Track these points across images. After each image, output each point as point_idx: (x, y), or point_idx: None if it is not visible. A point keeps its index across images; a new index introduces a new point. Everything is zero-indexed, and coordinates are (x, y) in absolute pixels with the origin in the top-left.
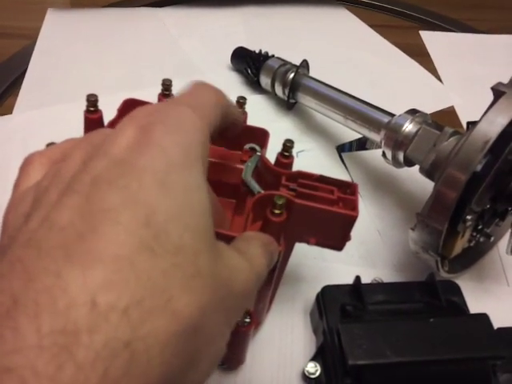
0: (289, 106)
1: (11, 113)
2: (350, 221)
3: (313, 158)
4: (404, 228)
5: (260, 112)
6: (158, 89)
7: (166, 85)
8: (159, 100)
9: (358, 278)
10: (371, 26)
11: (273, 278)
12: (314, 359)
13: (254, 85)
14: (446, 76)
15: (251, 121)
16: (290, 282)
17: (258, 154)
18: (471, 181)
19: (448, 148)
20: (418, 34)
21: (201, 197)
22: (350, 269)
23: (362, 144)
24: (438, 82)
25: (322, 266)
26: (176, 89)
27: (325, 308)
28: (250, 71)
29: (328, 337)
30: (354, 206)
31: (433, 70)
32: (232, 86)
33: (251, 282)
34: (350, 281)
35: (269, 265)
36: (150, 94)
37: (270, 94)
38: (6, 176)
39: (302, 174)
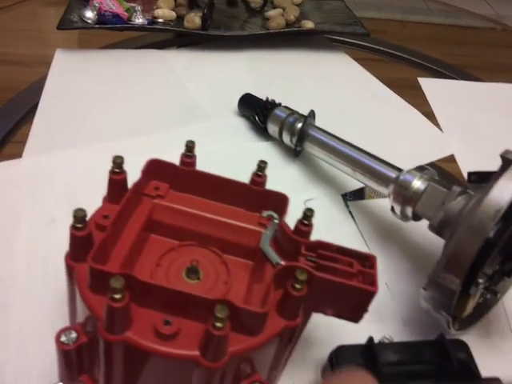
0: (296, 153)
1: (19, 154)
2: (369, 296)
3: (320, 207)
4: (412, 281)
5: (266, 158)
6: (168, 134)
7: (189, 146)
8: (182, 161)
9: (371, 340)
10: (362, 59)
11: (288, 349)
12: None
13: (261, 131)
14: (446, 123)
15: (254, 166)
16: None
17: (276, 221)
18: (484, 246)
19: (456, 207)
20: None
21: None
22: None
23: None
24: (438, 130)
25: (329, 322)
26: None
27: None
28: (257, 118)
29: None
30: (372, 281)
31: (431, 114)
32: (239, 131)
33: None
34: (358, 337)
35: None
36: (160, 139)
37: (277, 141)
38: (14, 223)
39: (321, 245)
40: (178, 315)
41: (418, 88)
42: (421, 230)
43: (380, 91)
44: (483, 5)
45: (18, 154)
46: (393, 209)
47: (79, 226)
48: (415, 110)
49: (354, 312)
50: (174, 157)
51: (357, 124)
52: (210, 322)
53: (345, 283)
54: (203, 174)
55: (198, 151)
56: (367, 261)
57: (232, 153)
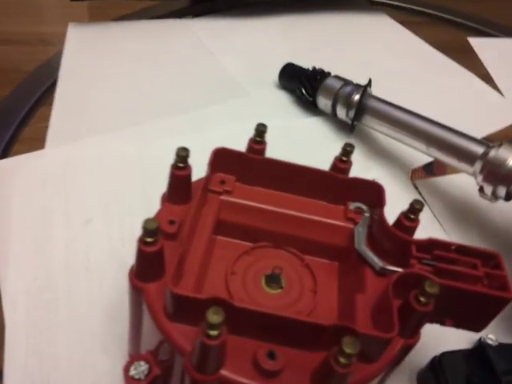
0: (351, 128)
1: (41, 143)
2: (503, 303)
3: (386, 188)
4: None
5: (318, 136)
6: (204, 112)
7: (260, 130)
8: (250, 147)
9: (481, 343)
10: (402, 22)
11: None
12: None
13: (308, 105)
14: (506, 87)
15: (307, 146)
16: None
17: (367, 215)
18: None
19: None
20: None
21: None
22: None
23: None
24: (498, 94)
25: None
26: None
27: (446, 379)
28: (304, 91)
29: None
30: (504, 284)
31: (487, 77)
32: (282, 107)
33: None
34: (447, 341)
35: None
36: (196, 119)
37: (327, 116)
38: (47, 226)
39: (435, 243)
40: (280, 343)
41: (469, 50)
42: (499, 208)
43: (429, 54)
44: None
45: (38, 139)
46: (481, 189)
47: (150, 240)
48: (471, 74)
49: (479, 321)
50: (215, 137)
51: (408, 91)
52: (333, 356)
53: (475, 291)
54: (276, 163)
55: (236, 131)
56: (491, 259)
57: (277, 132)
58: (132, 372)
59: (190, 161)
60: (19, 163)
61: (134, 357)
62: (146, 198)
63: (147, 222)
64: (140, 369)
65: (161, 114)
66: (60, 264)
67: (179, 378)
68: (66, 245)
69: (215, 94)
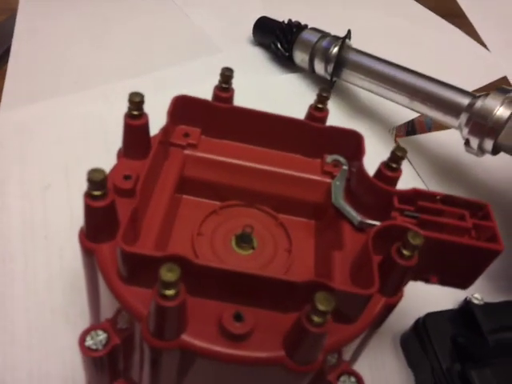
0: (331, 84)
1: None
2: (492, 256)
3: (367, 146)
4: None
5: (294, 94)
6: (175, 70)
7: (226, 75)
8: (215, 95)
9: (468, 302)
10: None
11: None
12: None
13: (285, 61)
14: (491, 42)
15: (284, 105)
16: None
17: (345, 168)
18: None
19: None
20: None
21: None
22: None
23: (413, 126)
24: (484, 49)
25: None
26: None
27: (430, 341)
28: (280, 46)
29: (442, 379)
30: (494, 236)
31: (473, 35)
32: (257, 64)
33: None
34: (430, 301)
35: None
36: (166, 77)
37: (305, 72)
38: (2, 192)
39: (419, 194)
40: (249, 304)
41: (455, 6)
42: (483, 165)
43: (415, 10)
44: None
45: None
46: (467, 142)
47: (98, 193)
48: (457, 29)
49: (466, 277)
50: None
51: (393, 47)
52: (305, 315)
53: (462, 243)
54: (245, 111)
55: (207, 90)
56: (480, 210)
57: (253, 89)
58: (88, 342)
59: (158, 122)
60: None
61: (90, 326)
62: (110, 161)
63: (92, 172)
64: (97, 338)
65: (126, 73)
66: (16, 233)
67: (140, 348)
68: (22, 212)
69: (185, 51)
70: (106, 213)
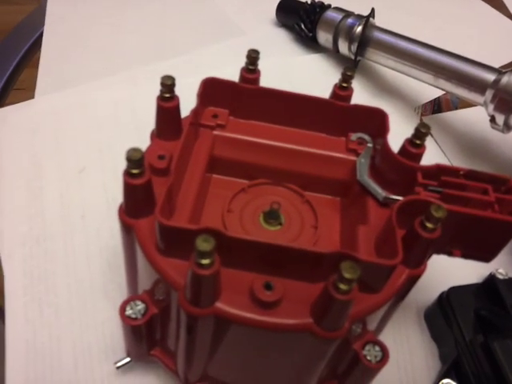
0: (356, 63)
1: (30, 93)
2: None
3: (392, 125)
4: None
5: (319, 74)
6: (199, 54)
7: (252, 57)
8: (242, 76)
9: (492, 277)
10: None
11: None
12: (447, 375)
13: (308, 42)
14: None
15: (308, 85)
16: None
17: (370, 145)
18: None
19: None
20: None
21: None
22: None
23: (439, 103)
24: None
25: None
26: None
27: (454, 314)
28: (303, 26)
29: (465, 350)
30: None
31: (501, 9)
32: (281, 45)
33: None
34: (455, 276)
35: None
36: (192, 61)
37: (330, 52)
38: (40, 176)
39: (443, 169)
40: (278, 275)
41: None
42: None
43: None
44: None
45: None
46: (493, 119)
47: (136, 171)
48: (483, 3)
49: (489, 250)
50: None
51: (417, 23)
52: (332, 283)
53: (485, 216)
54: (271, 92)
55: (232, 72)
56: (503, 184)
57: (278, 71)
58: (128, 311)
59: (186, 104)
60: (8, 114)
61: (130, 297)
62: (141, 143)
63: (130, 151)
64: (136, 308)
65: (152, 57)
66: (55, 213)
67: (176, 316)
68: (60, 194)
69: (209, 34)
70: (144, 190)
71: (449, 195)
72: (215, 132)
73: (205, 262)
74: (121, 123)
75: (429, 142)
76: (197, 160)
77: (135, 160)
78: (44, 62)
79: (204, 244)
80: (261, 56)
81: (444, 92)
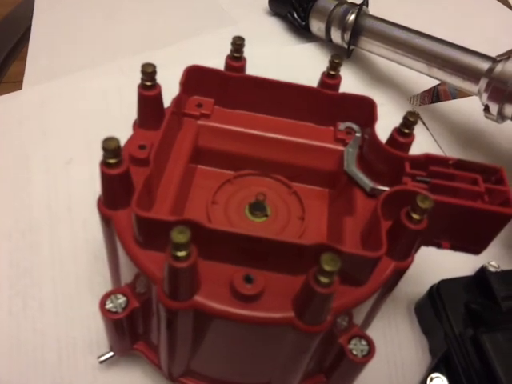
0: (348, 53)
1: (20, 86)
2: (504, 220)
3: (386, 115)
4: None
5: (312, 63)
6: (190, 43)
7: (237, 45)
8: (228, 64)
9: (483, 270)
10: None
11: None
12: (436, 370)
13: (301, 31)
14: None
15: (301, 75)
16: None
17: (358, 135)
18: None
19: None
20: None
21: None
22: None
23: (437, 94)
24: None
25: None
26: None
27: (444, 307)
28: (296, 15)
29: (455, 344)
30: (507, 200)
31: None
32: (274, 35)
33: None
34: (445, 268)
35: None
36: (182, 50)
37: (322, 41)
38: (26, 166)
39: (431, 159)
40: (259, 267)
41: None
42: (504, 132)
43: None
44: None
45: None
46: (487, 108)
47: (113, 161)
48: None
49: (478, 242)
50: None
51: (412, 13)
52: (312, 276)
53: (475, 207)
54: (257, 80)
55: (223, 63)
56: (493, 174)
57: (270, 60)
58: (108, 305)
59: (174, 95)
60: None
61: (111, 291)
62: (128, 133)
63: (106, 141)
64: (117, 302)
65: (142, 47)
66: (41, 205)
67: (156, 310)
68: (46, 186)
69: (199, 24)
70: (121, 180)
71: (437, 185)
72: (200, 122)
73: (181, 254)
74: (109, 113)
75: (422, 132)
76: (180, 150)
77: (111, 149)
78: (32, 52)
79: (179, 236)
80: (253, 45)
81: (438, 82)
